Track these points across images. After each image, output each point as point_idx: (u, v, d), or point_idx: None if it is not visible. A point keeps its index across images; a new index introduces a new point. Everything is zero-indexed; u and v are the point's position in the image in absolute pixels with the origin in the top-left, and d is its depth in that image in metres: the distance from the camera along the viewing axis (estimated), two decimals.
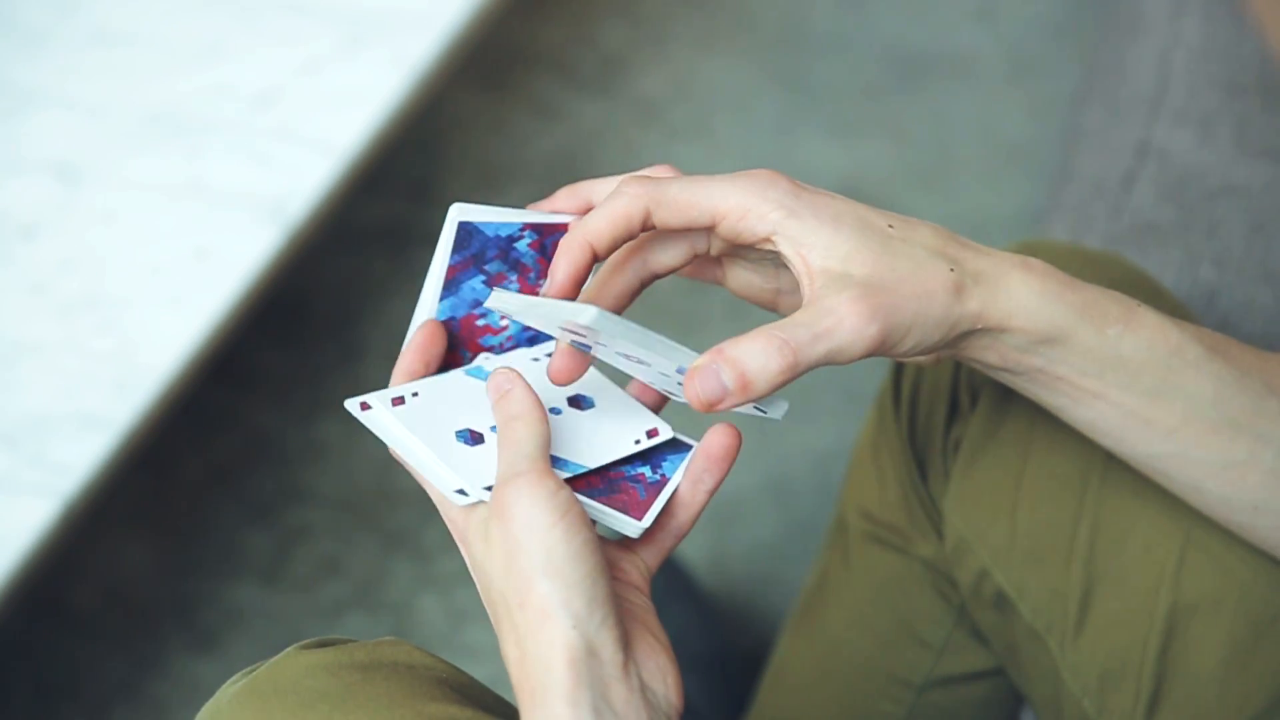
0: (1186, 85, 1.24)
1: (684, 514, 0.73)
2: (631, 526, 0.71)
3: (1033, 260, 0.74)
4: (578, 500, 0.66)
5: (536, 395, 0.70)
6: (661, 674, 0.66)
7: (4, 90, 1.30)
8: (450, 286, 0.78)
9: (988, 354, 0.74)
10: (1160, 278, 1.10)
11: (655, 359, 0.71)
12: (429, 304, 0.79)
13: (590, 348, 0.75)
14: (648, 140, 1.79)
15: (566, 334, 0.74)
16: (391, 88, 1.30)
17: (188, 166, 1.26)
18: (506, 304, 0.73)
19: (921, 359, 0.78)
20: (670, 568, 1.34)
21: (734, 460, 0.73)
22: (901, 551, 0.96)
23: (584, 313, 0.68)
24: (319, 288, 1.66)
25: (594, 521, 0.71)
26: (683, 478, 0.73)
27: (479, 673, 0.78)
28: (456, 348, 0.80)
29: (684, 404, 0.72)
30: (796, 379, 0.69)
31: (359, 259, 1.68)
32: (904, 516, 0.95)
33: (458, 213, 0.77)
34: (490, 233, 0.78)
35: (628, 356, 0.73)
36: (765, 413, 0.73)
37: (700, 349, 0.70)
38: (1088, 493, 0.85)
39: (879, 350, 0.70)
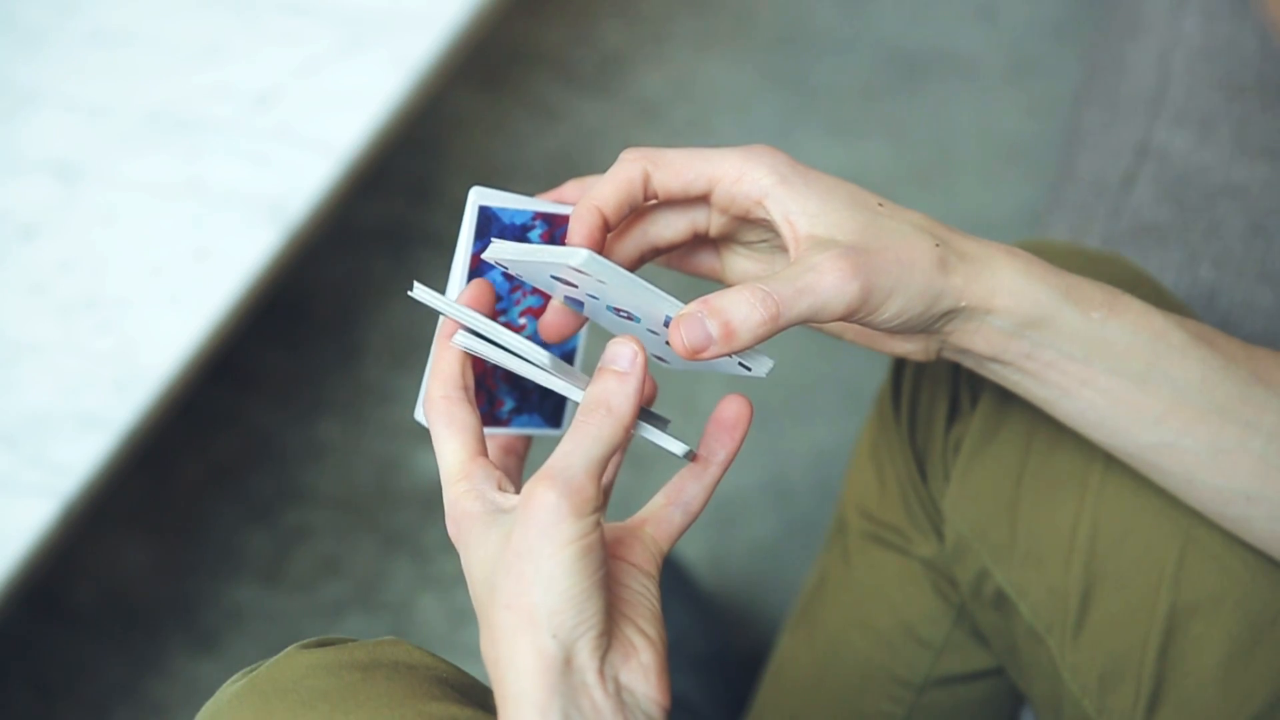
0: (1186, 85, 1.24)
1: (695, 487, 0.72)
2: (678, 445, 0.71)
3: (1017, 249, 0.75)
4: (597, 530, 0.65)
5: (642, 393, 0.68)
6: (643, 672, 0.66)
7: (4, 90, 1.30)
8: (475, 274, 0.78)
9: (975, 339, 0.75)
10: (1160, 278, 1.10)
11: (645, 309, 0.72)
12: (455, 294, 0.79)
13: (582, 305, 0.75)
14: (647, 140, 1.79)
15: (559, 288, 0.74)
16: (391, 88, 1.30)
17: (188, 166, 1.26)
18: (503, 253, 0.73)
19: (910, 347, 0.79)
20: (670, 568, 1.34)
21: (746, 430, 0.72)
22: (901, 551, 0.96)
23: (576, 255, 0.69)
24: (319, 288, 1.66)
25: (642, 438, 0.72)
26: (697, 448, 0.73)
27: (478, 673, 0.78)
28: None
29: (677, 377, 0.72)
30: (778, 333, 0.70)
31: (359, 259, 1.68)
32: (904, 516, 0.95)
33: (478, 196, 0.77)
34: (506, 220, 0.78)
35: (617, 312, 0.73)
36: (750, 370, 0.73)
37: (699, 376, 0.71)
38: (1088, 493, 0.85)
39: (861, 311, 0.71)
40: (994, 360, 0.76)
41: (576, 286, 0.73)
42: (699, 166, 0.74)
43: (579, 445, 0.66)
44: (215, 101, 1.30)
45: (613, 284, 0.70)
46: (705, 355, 0.69)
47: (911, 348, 0.79)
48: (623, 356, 0.68)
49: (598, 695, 0.64)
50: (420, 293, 0.72)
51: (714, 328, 0.69)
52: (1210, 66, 1.24)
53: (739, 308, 0.69)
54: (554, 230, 0.79)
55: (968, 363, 0.78)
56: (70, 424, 1.13)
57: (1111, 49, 1.34)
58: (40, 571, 1.12)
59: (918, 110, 1.84)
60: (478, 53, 1.83)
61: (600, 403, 0.67)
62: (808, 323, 0.71)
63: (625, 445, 0.80)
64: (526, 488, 0.65)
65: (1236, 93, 1.22)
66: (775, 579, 1.47)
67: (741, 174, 0.74)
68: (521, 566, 0.64)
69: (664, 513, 0.72)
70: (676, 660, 1.27)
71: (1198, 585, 0.83)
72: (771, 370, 0.73)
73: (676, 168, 0.75)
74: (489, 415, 0.81)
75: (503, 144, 1.79)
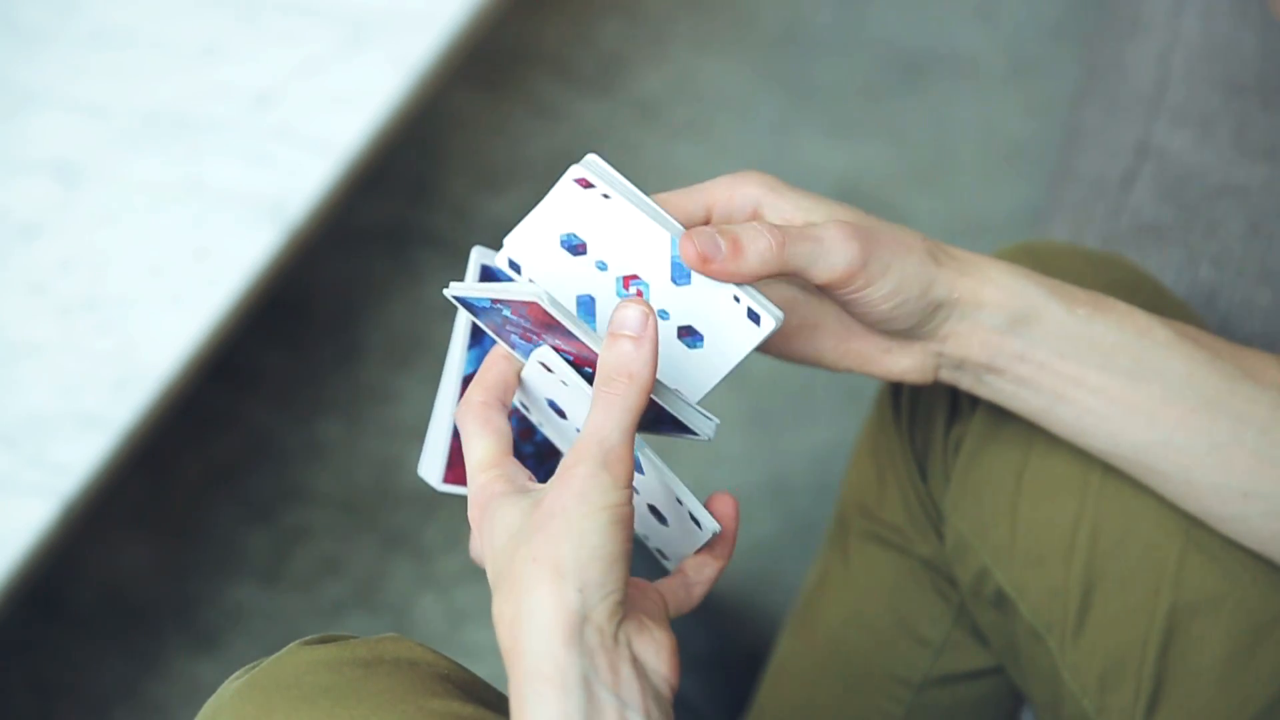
0: (1186, 85, 1.24)
1: (678, 599, 0.75)
2: (708, 521, 0.73)
3: (1000, 258, 0.79)
4: (630, 506, 0.66)
5: (657, 351, 0.68)
6: (655, 645, 0.66)
7: (4, 90, 1.30)
8: (476, 335, 0.79)
9: (970, 342, 0.77)
10: (1160, 278, 1.10)
11: (652, 241, 0.72)
12: (458, 352, 0.79)
13: (594, 302, 0.75)
14: (648, 140, 1.79)
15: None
16: (391, 88, 1.30)
17: (188, 166, 1.26)
18: (518, 243, 0.74)
19: (907, 363, 0.80)
20: None
21: (733, 544, 0.77)
22: (901, 550, 0.96)
23: (582, 162, 0.71)
24: (319, 288, 1.66)
25: (668, 422, 0.72)
26: (691, 554, 0.75)
27: (479, 671, 0.78)
28: None
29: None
30: (780, 274, 0.72)
31: (359, 259, 1.68)
32: (904, 516, 0.95)
33: (479, 255, 0.78)
34: (505, 281, 0.79)
35: (628, 283, 0.74)
36: (698, 433, 0.73)
37: (706, 399, 0.73)
38: (1088, 492, 0.86)
39: (859, 277, 0.73)
40: (989, 369, 0.78)
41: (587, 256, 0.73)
42: (695, 197, 0.78)
43: (609, 416, 0.67)
44: (215, 101, 1.30)
45: (618, 193, 0.71)
46: (713, 267, 0.71)
47: (909, 364, 0.80)
48: (633, 319, 0.68)
49: (614, 656, 0.64)
50: (461, 285, 0.73)
51: (723, 243, 0.71)
52: (1210, 66, 1.24)
53: (747, 232, 0.71)
54: None
55: (964, 383, 0.80)
56: (70, 424, 1.13)
57: (1111, 49, 1.34)
58: (40, 571, 1.12)
59: (918, 110, 1.84)
60: (478, 53, 1.82)
61: (620, 370, 0.67)
62: (807, 278, 0.73)
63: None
64: (565, 462, 0.66)
65: (1236, 93, 1.22)
66: (775, 579, 1.47)
67: (733, 191, 0.77)
68: (554, 524, 0.64)
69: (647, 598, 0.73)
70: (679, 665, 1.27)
71: (1198, 585, 0.83)
72: (717, 428, 0.73)
73: (675, 203, 0.77)
74: None
75: (503, 144, 1.79)
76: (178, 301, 1.19)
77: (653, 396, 0.71)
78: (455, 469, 0.81)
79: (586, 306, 0.76)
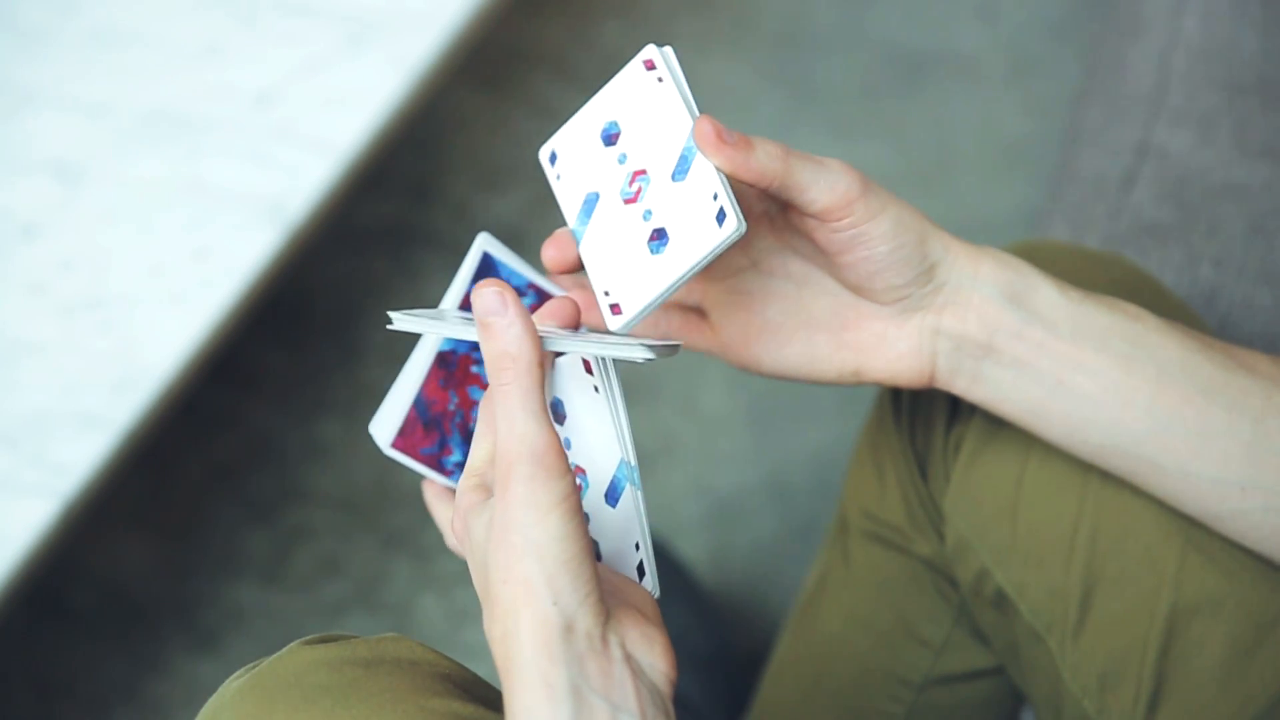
0: (1186, 85, 1.24)
1: None
2: (637, 351, 0.69)
3: None
4: (576, 490, 0.65)
5: (531, 323, 0.67)
6: (647, 642, 0.66)
7: (4, 90, 1.30)
8: None
9: (967, 316, 0.78)
10: (1160, 278, 1.10)
11: (672, 136, 0.74)
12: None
13: (597, 197, 0.76)
14: None
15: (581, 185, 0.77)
16: (391, 88, 1.30)
17: (188, 166, 1.26)
18: (560, 140, 0.76)
19: (903, 348, 0.80)
20: (670, 567, 1.34)
21: None
22: (902, 550, 0.96)
23: (660, 47, 0.74)
24: (319, 288, 1.66)
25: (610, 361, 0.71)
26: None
27: (479, 671, 0.78)
28: (447, 387, 0.80)
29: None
30: (782, 185, 0.74)
31: (359, 259, 1.68)
32: (904, 516, 0.95)
33: (484, 242, 0.79)
34: (504, 275, 0.79)
35: (633, 179, 0.75)
36: (645, 355, 0.72)
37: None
38: (1088, 493, 0.86)
39: (859, 202, 0.75)
40: (988, 350, 0.78)
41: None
42: None
43: (513, 408, 0.65)
44: (215, 101, 1.30)
45: (672, 81, 0.74)
46: (722, 150, 0.72)
47: (907, 347, 0.80)
48: (490, 304, 0.67)
49: (604, 661, 0.64)
50: (403, 320, 0.72)
51: (736, 134, 0.72)
52: (1210, 66, 1.24)
53: (757, 137, 0.73)
54: (543, 303, 0.80)
55: (961, 381, 0.80)
56: (70, 424, 1.13)
57: (1111, 49, 1.34)
58: (40, 571, 1.12)
59: (918, 110, 1.84)
60: (478, 53, 1.82)
61: (501, 356, 0.66)
62: (804, 201, 0.75)
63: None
64: (499, 467, 0.65)
65: (1236, 93, 1.22)
66: (775, 579, 1.47)
67: None
68: (510, 539, 0.64)
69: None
70: (677, 659, 1.27)
71: (1198, 586, 0.83)
72: (653, 348, 0.70)
73: None
74: (434, 458, 0.82)
75: (503, 144, 1.79)
76: (178, 301, 1.19)
77: (584, 357, 0.70)
78: (407, 437, 0.81)
79: (589, 204, 0.76)
